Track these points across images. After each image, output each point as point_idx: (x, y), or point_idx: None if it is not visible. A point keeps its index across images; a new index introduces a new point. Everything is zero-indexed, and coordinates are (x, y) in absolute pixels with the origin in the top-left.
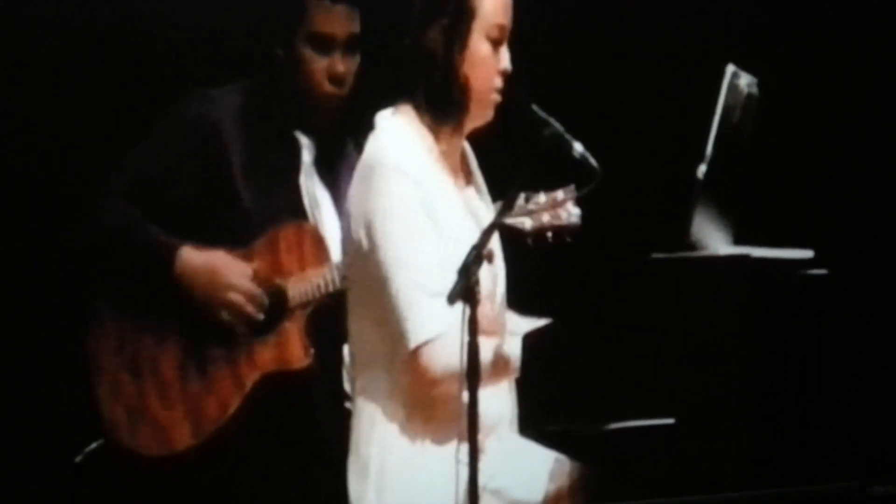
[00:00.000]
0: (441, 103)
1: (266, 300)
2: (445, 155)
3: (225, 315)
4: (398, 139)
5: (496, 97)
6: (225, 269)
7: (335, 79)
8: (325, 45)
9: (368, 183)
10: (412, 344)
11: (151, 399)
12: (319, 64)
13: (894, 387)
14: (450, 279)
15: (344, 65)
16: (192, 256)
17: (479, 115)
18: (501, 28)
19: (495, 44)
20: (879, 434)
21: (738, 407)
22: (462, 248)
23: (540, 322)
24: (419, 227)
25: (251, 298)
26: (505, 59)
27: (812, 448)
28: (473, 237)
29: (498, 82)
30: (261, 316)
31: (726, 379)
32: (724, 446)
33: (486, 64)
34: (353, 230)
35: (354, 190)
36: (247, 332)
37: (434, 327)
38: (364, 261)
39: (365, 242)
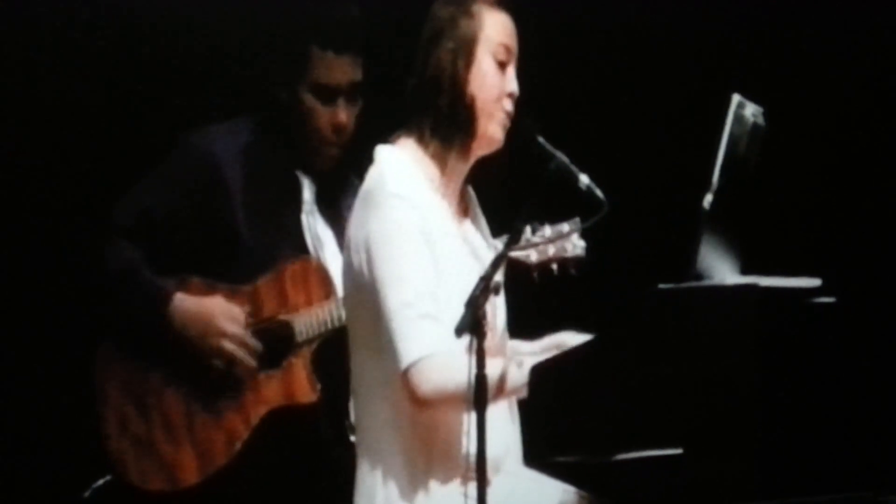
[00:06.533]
0: (448, 127)
1: (258, 345)
2: (447, 186)
3: (218, 363)
4: (398, 167)
5: (505, 120)
6: (218, 316)
7: (337, 128)
8: (328, 95)
9: (367, 209)
10: (403, 364)
11: (158, 435)
12: (322, 113)
13: None
14: (443, 305)
15: (346, 114)
16: (186, 304)
17: (487, 140)
18: (507, 49)
19: (501, 65)
20: (892, 444)
21: (745, 436)
22: (456, 278)
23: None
24: (414, 249)
25: (243, 345)
26: (512, 81)
27: (825, 459)
28: (469, 268)
29: (507, 105)
30: (254, 363)
31: (734, 408)
32: (732, 476)
33: (493, 83)
34: (352, 258)
35: (354, 217)
36: (248, 373)
37: (423, 347)
38: (362, 288)
39: (364, 268)
